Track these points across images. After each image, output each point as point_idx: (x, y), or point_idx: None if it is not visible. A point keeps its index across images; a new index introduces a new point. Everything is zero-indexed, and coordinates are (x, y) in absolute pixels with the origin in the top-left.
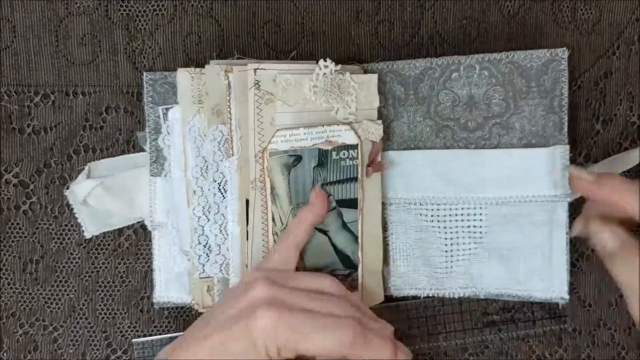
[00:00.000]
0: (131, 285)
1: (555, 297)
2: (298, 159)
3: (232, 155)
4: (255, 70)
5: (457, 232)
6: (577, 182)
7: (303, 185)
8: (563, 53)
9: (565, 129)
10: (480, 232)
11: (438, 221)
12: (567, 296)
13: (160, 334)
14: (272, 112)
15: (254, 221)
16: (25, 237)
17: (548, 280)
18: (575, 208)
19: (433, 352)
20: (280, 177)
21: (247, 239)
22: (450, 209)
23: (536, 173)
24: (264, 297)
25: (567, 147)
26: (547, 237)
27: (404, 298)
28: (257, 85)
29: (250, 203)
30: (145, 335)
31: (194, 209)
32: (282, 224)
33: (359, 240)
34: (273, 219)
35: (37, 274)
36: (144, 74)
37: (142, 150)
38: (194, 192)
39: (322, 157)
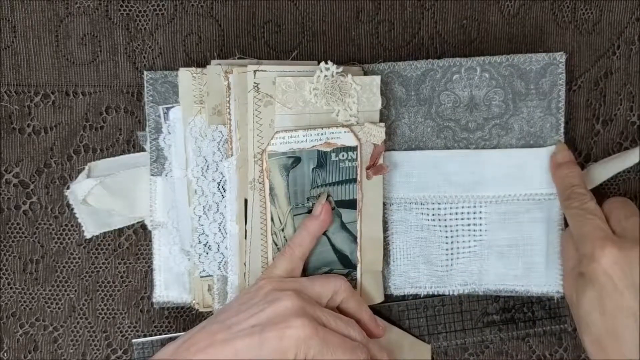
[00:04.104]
0: (131, 285)
1: (552, 291)
2: (297, 160)
3: (232, 155)
4: (255, 72)
5: (457, 230)
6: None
7: (302, 187)
8: (561, 57)
9: (562, 130)
10: (480, 230)
11: (439, 220)
12: (562, 290)
13: (160, 334)
14: (272, 114)
15: (253, 221)
16: (26, 237)
17: (544, 275)
18: None
19: (433, 352)
20: (279, 178)
21: (246, 238)
22: (450, 208)
23: (533, 172)
24: (294, 307)
25: None
26: (544, 234)
27: (404, 297)
28: (256, 88)
29: (249, 203)
30: (145, 335)
31: (194, 209)
32: (281, 223)
33: (358, 240)
34: (272, 219)
35: (37, 274)
36: (145, 72)
37: (143, 150)
38: (195, 191)
39: (322, 159)
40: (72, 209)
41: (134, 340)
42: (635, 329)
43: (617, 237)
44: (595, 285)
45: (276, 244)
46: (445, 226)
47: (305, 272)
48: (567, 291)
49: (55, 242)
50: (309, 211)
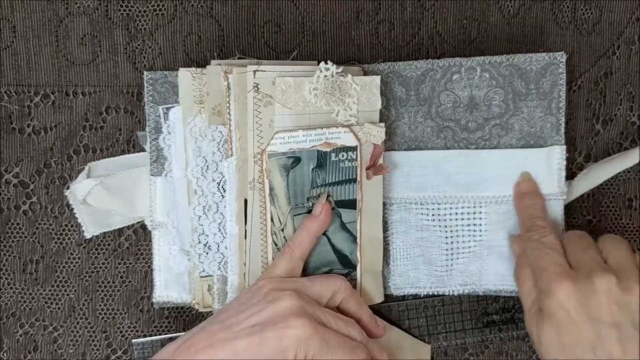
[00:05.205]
0: (131, 285)
1: None
2: (297, 160)
3: (231, 155)
4: (254, 72)
5: (457, 230)
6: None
7: (301, 187)
8: (562, 57)
9: (563, 130)
10: (480, 230)
11: (439, 220)
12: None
13: (160, 334)
14: (271, 114)
15: (253, 221)
16: (25, 237)
17: None
18: (570, 207)
19: (433, 352)
20: (279, 178)
21: (245, 238)
22: (450, 208)
23: (534, 173)
24: (294, 307)
25: (564, 147)
26: None
27: (404, 297)
28: (256, 88)
29: (249, 203)
30: (145, 335)
31: (194, 209)
32: (281, 223)
33: (358, 240)
34: (271, 219)
35: (37, 274)
36: (145, 72)
37: (143, 150)
38: (195, 191)
39: (321, 159)
40: (72, 209)
41: (133, 340)
42: None
43: (573, 271)
44: (553, 320)
45: (276, 244)
46: (445, 226)
47: (305, 272)
48: (528, 327)
49: (55, 242)
50: (309, 211)
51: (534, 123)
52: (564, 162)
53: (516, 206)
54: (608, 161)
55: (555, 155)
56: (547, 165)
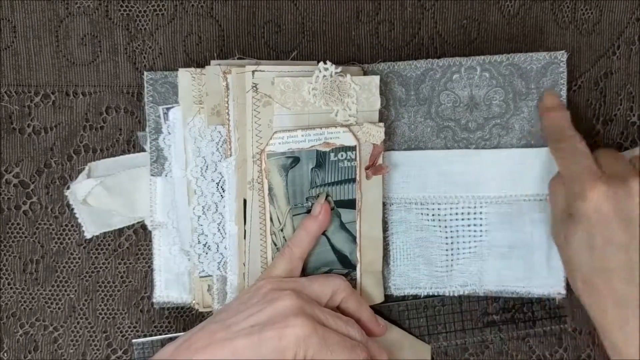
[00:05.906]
0: (131, 285)
1: (553, 292)
2: (296, 160)
3: (230, 155)
4: (253, 72)
5: (457, 230)
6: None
7: (301, 187)
8: (562, 56)
9: None
10: (481, 231)
11: (439, 220)
12: (563, 291)
13: (160, 334)
14: (270, 114)
15: (252, 221)
16: (26, 237)
17: (546, 276)
18: None
19: (433, 352)
20: (278, 178)
21: (245, 238)
22: (450, 208)
23: (534, 172)
24: (293, 307)
25: None
26: (545, 235)
27: (404, 297)
28: (254, 88)
29: (248, 203)
30: (145, 335)
31: (194, 209)
32: (280, 223)
33: (357, 240)
34: (271, 219)
35: (37, 274)
36: (145, 73)
37: (143, 150)
38: (194, 191)
39: (320, 159)
40: (72, 209)
41: (134, 340)
42: (624, 261)
43: (607, 176)
44: (585, 223)
45: (275, 244)
46: (446, 227)
47: (305, 272)
48: (555, 234)
49: (55, 242)
50: (308, 211)
51: (535, 123)
52: None
53: (542, 121)
54: None
55: None
56: (548, 165)
